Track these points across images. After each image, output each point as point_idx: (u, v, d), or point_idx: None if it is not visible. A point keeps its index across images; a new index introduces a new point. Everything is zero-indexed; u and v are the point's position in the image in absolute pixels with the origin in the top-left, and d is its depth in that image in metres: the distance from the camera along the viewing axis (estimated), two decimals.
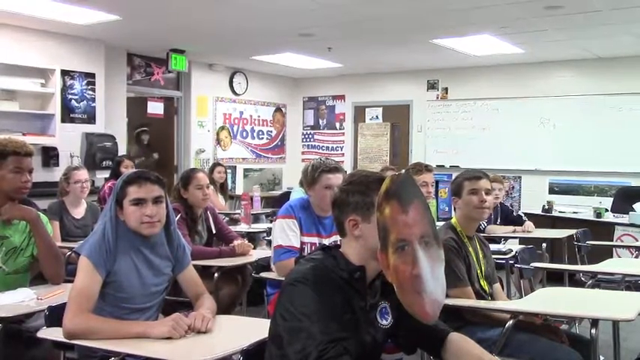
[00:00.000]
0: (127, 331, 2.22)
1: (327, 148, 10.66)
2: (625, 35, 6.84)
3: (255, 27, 6.75)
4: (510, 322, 2.84)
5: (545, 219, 7.02)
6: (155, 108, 9.16)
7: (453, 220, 3.18)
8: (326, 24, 6.55)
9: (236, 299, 4.17)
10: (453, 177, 3.32)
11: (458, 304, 2.90)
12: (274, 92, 10.62)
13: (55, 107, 7.00)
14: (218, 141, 9.64)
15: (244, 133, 10.11)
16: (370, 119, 10.26)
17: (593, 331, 2.68)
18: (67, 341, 2.22)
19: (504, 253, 4.30)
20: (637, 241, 6.09)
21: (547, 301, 3.05)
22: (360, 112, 10.38)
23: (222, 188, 7.49)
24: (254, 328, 2.25)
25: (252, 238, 5.60)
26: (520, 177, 8.83)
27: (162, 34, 7.32)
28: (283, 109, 10.83)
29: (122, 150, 7.79)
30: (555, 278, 4.86)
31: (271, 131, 10.65)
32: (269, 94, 10.52)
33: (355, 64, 9.28)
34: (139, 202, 2.43)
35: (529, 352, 2.82)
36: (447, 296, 2.91)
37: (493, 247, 3.86)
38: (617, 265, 4.39)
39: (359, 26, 6.68)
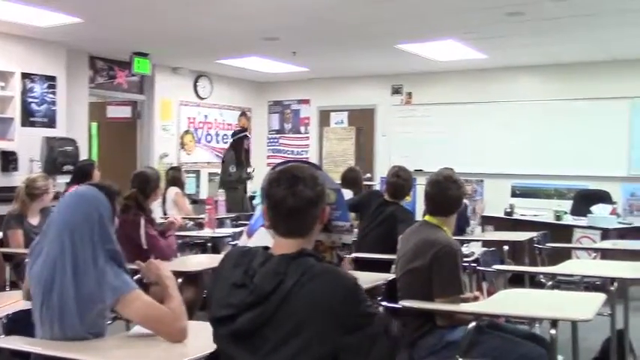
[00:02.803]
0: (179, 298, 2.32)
1: (292, 152, 10.65)
2: (584, 42, 7.01)
3: (219, 31, 6.72)
4: (473, 323, 2.88)
5: (507, 222, 7.15)
6: (117, 112, 9.05)
7: (437, 221, 3.20)
8: (291, 28, 6.56)
9: (195, 304, 4.14)
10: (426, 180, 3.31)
11: (425, 307, 2.93)
12: (239, 96, 10.59)
13: (15, 111, 6.86)
14: (182, 145, 9.56)
15: (209, 137, 10.04)
16: (335, 123, 10.30)
17: (552, 331, 2.74)
18: (26, 349, 2.18)
19: (467, 256, 4.35)
20: (595, 242, 6.23)
21: (508, 302, 3.10)
22: (325, 117, 10.40)
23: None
24: None
25: (217, 243, 5.57)
26: (482, 180, 8.94)
27: (125, 37, 7.23)
28: (248, 113, 10.79)
29: (84, 154, 7.66)
30: (517, 280, 4.94)
31: None
32: (234, 98, 10.48)
33: (320, 69, 9.31)
34: None
35: (498, 352, 2.86)
36: (443, 300, 2.95)
37: None
38: (576, 266, 4.48)
39: (324, 31, 6.70)
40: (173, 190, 6.94)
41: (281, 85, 10.64)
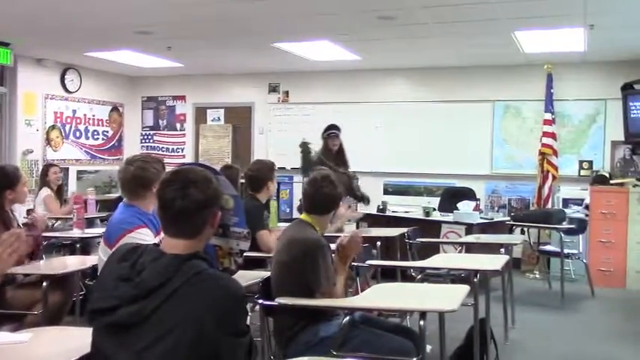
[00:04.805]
0: None
1: (167, 149, 10.39)
2: (449, 47, 7.39)
3: (89, 22, 6.41)
4: (347, 318, 2.96)
5: (380, 218, 7.40)
6: None
7: (310, 219, 3.24)
8: (165, 23, 6.39)
9: (63, 308, 3.94)
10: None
11: (300, 304, 2.96)
12: (111, 91, 10.17)
13: None
14: (48, 141, 9.04)
15: (77, 133, 9.57)
16: (212, 121, 10.16)
17: (421, 322, 2.87)
18: None
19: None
20: (460, 237, 6.60)
21: (381, 296, 3.21)
22: (201, 114, 10.24)
23: (59, 191, 7.08)
24: (87, 339, 2.13)
25: (87, 244, 5.32)
26: (357, 178, 9.19)
27: None
28: (120, 109, 10.40)
29: None
30: (389, 274, 5.12)
31: (107, 131, 10.18)
32: (105, 92, 10.05)
33: (196, 65, 9.15)
34: None
35: (369, 346, 2.95)
36: (319, 295, 2.99)
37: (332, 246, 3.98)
38: (443, 260, 4.73)
39: (200, 27, 6.59)
40: (45, 191, 6.84)
41: (156, 80, 10.34)
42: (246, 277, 3.20)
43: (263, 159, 5.10)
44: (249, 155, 9.79)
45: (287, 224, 3.97)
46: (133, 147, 10.38)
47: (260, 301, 3.11)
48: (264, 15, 6.02)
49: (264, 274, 3.33)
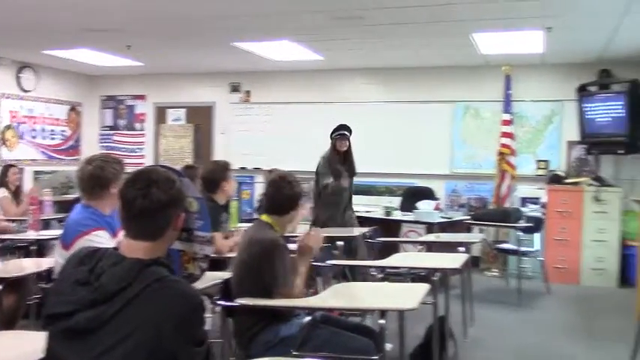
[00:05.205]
0: None
1: (127, 149, 10.24)
2: (409, 48, 7.46)
3: (45, 19, 6.28)
4: (308, 318, 2.97)
5: None
6: None
7: (270, 220, 3.23)
8: (124, 21, 6.30)
9: (17, 312, 3.86)
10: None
11: (261, 304, 2.96)
12: (68, 90, 9.98)
13: None
14: (3, 141, 8.82)
15: (34, 133, 9.36)
16: (173, 120, 10.06)
17: (381, 321, 2.89)
18: None
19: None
20: (420, 236, 6.67)
21: (341, 296, 3.23)
22: (161, 113, 10.13)
23: (16, 192, 6.94)
24: (42, 344, 2.09)
25: (42, 246, 5.21)
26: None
27: None
28: (78, 108, 10.21)
29: None
30: (351, 274, 5.15)
31: (65, 131, 9.98)
32: (62, 91, 9.86)
33: (157, 64, 9.05)
34: None
35: (329, 345, 2.97)
36: (277, 295, 2.98)
37: (291, 246, 3.98)
38: (403, 259, 4.78)
39: (159, 25, 6.52)
40: (1, 192, 6.78)
41: (115, 79, 10.19)
42: (207, 279, 3.18)
43: (218, 160, 5.02)
44: (210, 155, 9.72)
45: (248, 225, 3.96)
46: (91, 147, 10.20)
47: (220, 301, 3.10)
48: (223, 14, 5.98)
49: (225, 275, 3.32)
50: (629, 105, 7.15)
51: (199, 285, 3.07)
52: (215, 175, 4.56)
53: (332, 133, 6.47)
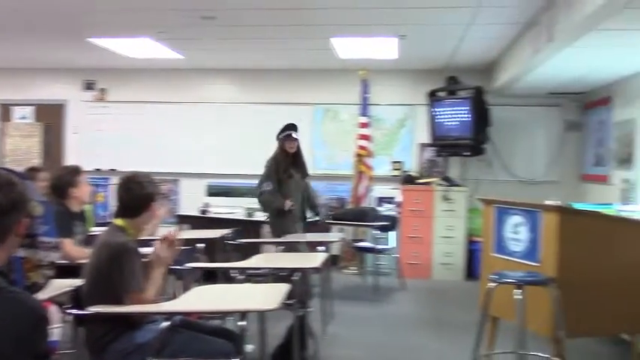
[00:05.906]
0: None
1: None
2: (270, 50, 7.52)
3: None
4: (166, 323, 2.90)
5: (203, 220, 7.36)
6: None
7: (123, 223, 3.13)
8: None
9: None
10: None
11: (115, 311, 2.85)
12: None
13: None
14: None
15: None
16: (19, 119, 9.40)
17: (241, 323, 2.90)
18: None
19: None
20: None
21: (200, 299, 3.19)
22: (6, 111, 9.42)
23: None
24: None
25: None
26: (178, 180, 9.04)
27: None
28: None
29: None
30: (212, 276, 5.10)
31: None
32: None
33: (0, 59, 8.42)
34: None
35: (188, 350, 2.92)
36: (127, 300, 2.86)
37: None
38: (264, 259, 4.80)
39: (3, 17, 6.07)
40: None
41: None
42: (55, 287, 3.02)
43: (67, 165, 4.76)
44: (61, 156, 9.20)
45: (103, 229, 3.80)
46: None
47: (71, 310, 2.95)
48: (75, 9, 5.69)
49: (76, 282, 3.16)
50: (474, 110, 7.68)
51: (45, 294, 2.91)
52: (62, 182, 4.32)
53: (279, 134, 6.17)
